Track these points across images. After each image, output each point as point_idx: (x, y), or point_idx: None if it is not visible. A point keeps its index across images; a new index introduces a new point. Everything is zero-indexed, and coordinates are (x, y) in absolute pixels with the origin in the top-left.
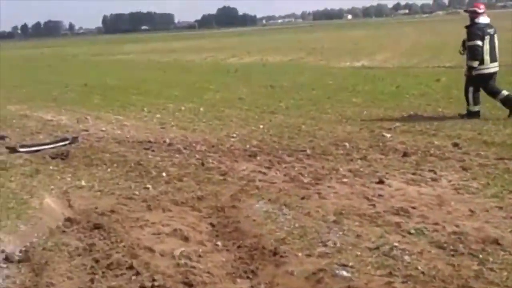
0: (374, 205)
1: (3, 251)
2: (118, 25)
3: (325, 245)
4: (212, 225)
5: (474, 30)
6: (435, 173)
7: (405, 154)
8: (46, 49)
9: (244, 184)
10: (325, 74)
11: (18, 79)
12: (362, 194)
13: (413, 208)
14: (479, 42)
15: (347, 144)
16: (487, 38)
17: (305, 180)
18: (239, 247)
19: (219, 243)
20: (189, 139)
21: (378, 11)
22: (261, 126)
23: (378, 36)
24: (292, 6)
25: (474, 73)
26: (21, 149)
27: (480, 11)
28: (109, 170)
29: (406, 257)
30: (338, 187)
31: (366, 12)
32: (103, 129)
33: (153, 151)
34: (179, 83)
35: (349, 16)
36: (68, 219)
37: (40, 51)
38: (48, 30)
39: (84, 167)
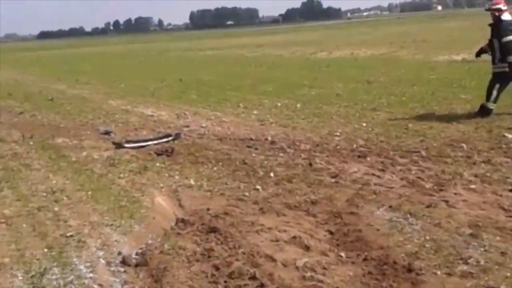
0: None
1: (120, 253)
2: (204, 20)
3: (466, 263)
4: (330, 232)
5: (505, 26)
6: None
7: None
8: (137, 45)
9: (359, 188)
10: (423, 69)
11: (115, 74)
12: (496, 204)
13: None
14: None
15: (464, 145)
16: None
17: (427, 186)
18: (365, 259)
19: (342, 254)
20: (291, 137)
21: (470, 1)
22: (364, 124)
23: (473, 28)
24: None
25: (506, 69)
26: (126, 145)
27: (504, 8)
28: (215, 168)
29: None
30: (466, 194)
31: (457, 3)
32: (203, 125)
33: (256, 149)
34: (271, 79)
35: (439, 7)
36: (181, 221)
37: (133, 46)
38: (138, 26)
39: (190, 165)
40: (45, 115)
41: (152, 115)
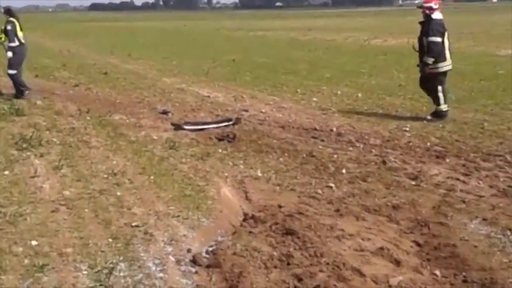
0: None
1: (189, 251)
2: (253, 0)
3: None
4: (417, 244)
5: (434, 26)
6: None
7: None
8: (186, 22)
9: (444, 194)
10: (486, 62)
11: (167, 50)
12: None
13: None
14: (439, 39)
15: None
16: (446, 33)
17: None
18: (465, 281)
19: (437, 272)
20: (357, 129)
21: None
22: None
23: None
24: None
25: (439, 70)
26: (185, 127)
27: (435, 6)
28: (281, 159)
29: None
30: None
31: None
32: (263, 110)
33: (322, 140)
34: (328, 64)
35: None
36: (251, 217)
37: (183, 23)
38: (188, 2)
39: (254, 154)
40: (100, 89)
41: (208, 96)
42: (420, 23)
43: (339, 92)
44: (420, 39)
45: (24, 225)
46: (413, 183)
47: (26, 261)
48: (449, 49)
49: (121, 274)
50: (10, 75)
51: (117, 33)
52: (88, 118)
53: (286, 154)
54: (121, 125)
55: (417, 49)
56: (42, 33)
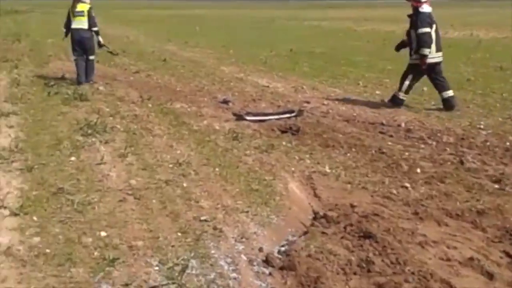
0: None
1: (261, 250)
2: None
3: None
4: (508, 255)
5: (422, 18)
6: None
7: None
8: (242, 10)
9: None
10: None
11: (223, 39)
12: None
13: None
14: (428, 29)
15: None
16: (434, 26)
17: None
18: None
19: None
20: (427, 125)
21: None
22: (508, 118)
23: None
24: None
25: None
26: (247, 117)
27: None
28: (348, 155)
29: None
30: None
31: None
32: (325, 102)
33: (391, 136)
34: (388, 56)
35: None
36: (323, 216)
37: (238, 12)
38: None
39: (320, 148)
40: (160, 76)
41: (267, 86)
42: (409, 16)
43: (425, 89)
44: (408, 32)
45: (93, 214)
46: (497, 186)
47: (96, 253)
48: (438, 42)
49: (193, 272)
50: (91, 61)
51: (172, 21)
52: (150, 105)
53: (353, 150)
54: (182, 113)
55: (407, 41)
56: (102, 20)
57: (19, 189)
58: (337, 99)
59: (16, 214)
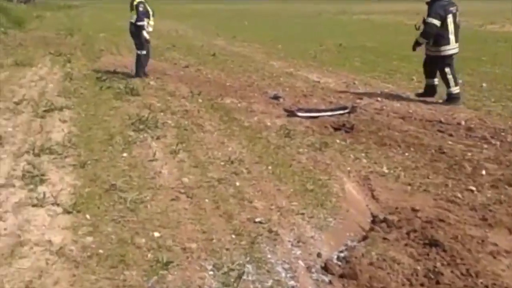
0: None
1: (319, 255)
2: None
3: None
4: None
5: (435, 8)
6: None
7: None
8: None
9: None
10: None
11: (271, 34)
12: None
13: None
14: (436, 22)
15: None
16: (450, 16)
17: None
18: None
19: None
20: (489, 123)
21: None
22: None
23: None
24: None
25: (442, 54)
26: (299, 114)
27: None
28: (407, 154)
29: None
30: None
31: None
32: (378, 99)
33: (450, 135)
34: None
35: None
36: (383, 220)
37: (284, 6)
38: None
39: (376, 147)
40: (210, 70)
41: (318, 81)
42: (427, 3)
43: (460, 81)
44: (424, 21)
45: (145, 213)
46: None
47: (149, 255)
48: (456, 33)
49: (250, 278)
50: (138, 56)
51: (221, 15)
52: (200, 100)
53: (412, 149)
54: (233, 109)
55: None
56: None
57: (72, 185)
58: (391, 95)
59: (69, 212)
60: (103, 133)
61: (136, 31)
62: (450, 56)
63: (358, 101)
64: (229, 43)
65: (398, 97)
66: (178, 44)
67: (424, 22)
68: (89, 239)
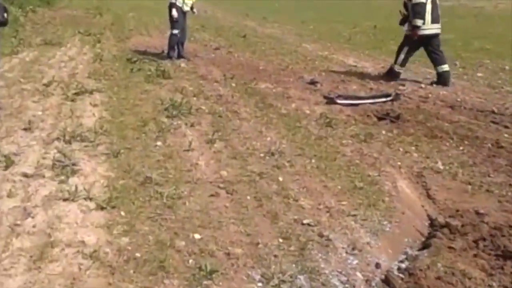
0: None
1: (378, 266)
2: None
3: None
4: None
5: None
6: None
7: None
8: None
9: None
10: None
11: (302, 15)
12: None
13: None
14: (423, 0)
15: None
16: None
17: None
18: None
19: None
20: None
21: None
22: None
23: None
24: None
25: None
26: (339, 101)
27: None
28: (461, 148)
29: None
30: None
31: None
32: (422, 85)
33: (506, 127)
34: (482, 34)
35: None
36: (445, 225)
37: None
38: None
39: (426, 139)
40: (241, 53)
41: (355, 65)
42: None
43: (506, 67)
44: (405, 3)
45: (184, 211)
46: None
47: (190, 261)
48: (435, 14)
49: None
50: (170, 35)
51: None
52: (234, 84)
53: (466, 142)
54: (268, 94)
55: (405, 12)
56: None
57: (106, 177)
58: (434, 82)
59: (102, 208)
60: (136, 119)
61: (168, 8)
62: (427, 36)
63: (400, 87)
64: (259, 24)
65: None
66: (208, 25)
67: (405, 5)
68: (125, 240)
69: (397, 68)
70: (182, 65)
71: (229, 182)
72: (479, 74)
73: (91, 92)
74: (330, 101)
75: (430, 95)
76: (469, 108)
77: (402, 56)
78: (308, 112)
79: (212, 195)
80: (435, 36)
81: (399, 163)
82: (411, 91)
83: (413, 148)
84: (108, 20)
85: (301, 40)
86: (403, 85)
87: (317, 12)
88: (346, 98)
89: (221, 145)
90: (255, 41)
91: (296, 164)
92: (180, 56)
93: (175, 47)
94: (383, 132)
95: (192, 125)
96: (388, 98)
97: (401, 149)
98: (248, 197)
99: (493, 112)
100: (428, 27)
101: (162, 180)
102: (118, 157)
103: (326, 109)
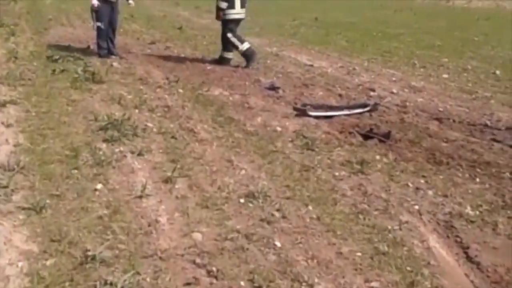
0: None
1: None
2: None
3: None
4: None
5: None
6: None
7: None
8: None
9: None
10: None
11: None
12: None
13: None
14: None
15: None
16: None
17: None
18: None
19: None
20: None
21: None
22: None
23: None
24: None
25: (226, 17)
26: (311, 113)
27: None
28: (478, 180)
29: None
30: None
31: None
32: (393, 90)
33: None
34: (427, 28)
35: None
36: None
37: None
38: None
39: (431, 167)
40: (181, 49)
41: (311, 65)
42: None
43: (469, 67)
44: None
45: None
46: None
47: None
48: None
49: None
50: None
51: None
52: (181, 90)
53: (479, 171)
54: (225, 104)
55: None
56: None
57: (25, 254)
58: (403, 85)
59: None
60: (63, 145)
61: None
62: (234, 20)
63: (371, 93)
64: (193, 14)
65: (412, 88)
66: (138, 15)
67: None
68: None
69: (225, 54)
70: (115, 64)
71: (208, 253)
72: (445, 76)
73: (3, 105)
74: (301, 113)
75: (407, 104)
76: (457, 121)
77: (234, 40)
78: (279, 129)
79: (188, 284)
80: (241, 20)
81: (416, 207)
82: (385, 97)
83: (422, 181)
84: (23, 8)
85: (243, 33)
86: (373, 90)
87: (253, 3)
88: (317, 108)
89: (183, 186)
90: (193, 33)
91: (289, 214)
92: (110, 53)
93: (105, 43)
94: (377, 157)
95: (140, 154)
96: (365, 109)
97: (410, 184)
98: (242, 283)
99: (486, 125)
100: (239, 11)
101: (110, 256)
102: (43, 213)
103: (299, 124)
